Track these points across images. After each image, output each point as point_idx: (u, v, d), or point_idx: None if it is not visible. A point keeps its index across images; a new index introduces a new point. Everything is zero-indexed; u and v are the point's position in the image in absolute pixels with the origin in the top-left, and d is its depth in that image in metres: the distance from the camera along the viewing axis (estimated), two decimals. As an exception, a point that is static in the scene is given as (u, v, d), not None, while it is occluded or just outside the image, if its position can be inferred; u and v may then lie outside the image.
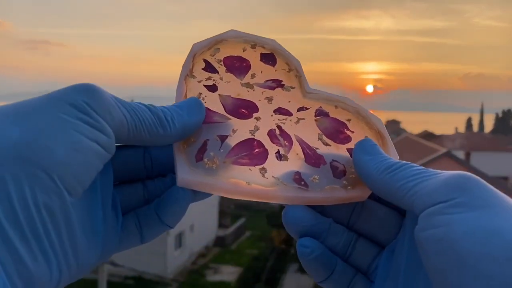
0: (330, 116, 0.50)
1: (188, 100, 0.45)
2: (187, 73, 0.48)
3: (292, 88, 0.51)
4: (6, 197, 0.32)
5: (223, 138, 0.46)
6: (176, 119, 0.42)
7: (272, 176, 0.45)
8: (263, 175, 0.45)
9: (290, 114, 0.49)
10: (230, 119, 0.47)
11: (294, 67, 0.52)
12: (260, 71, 0.51)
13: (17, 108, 0.35)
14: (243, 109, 0.48)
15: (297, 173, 0.46)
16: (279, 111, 0.49)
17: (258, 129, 0.47)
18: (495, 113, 73.46)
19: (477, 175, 0.35)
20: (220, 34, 0.51)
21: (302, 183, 0.45)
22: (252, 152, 0.46)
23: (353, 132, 0.49)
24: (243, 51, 0.51)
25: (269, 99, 0.50)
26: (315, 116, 0.50)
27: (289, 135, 0.48)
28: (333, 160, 0.47)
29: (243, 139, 0.46)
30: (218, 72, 0.49)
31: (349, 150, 0.48)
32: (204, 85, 0.48)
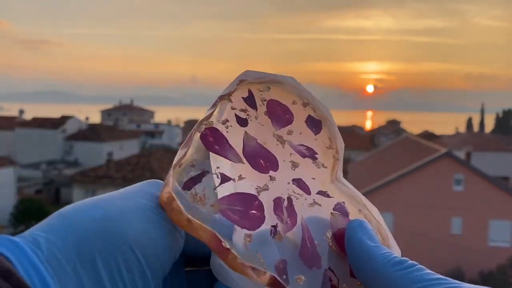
0: (349, 218, 0.43)
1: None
2: (225, 94, 0.43)
3: (324, 167, 0.45)
4: (94, 273, 0.33)
5: (225, 178, 0.40)
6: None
7: (255, 251, 0.37)
8: (246, 244, 0.37)
9: (308, 192, 0.43)
10: (243, 163, 0.41)
11: (335, 147, 0.46)
12: (299, 132, 0.45)
13: (100, 197, 0.37)
14: (263, 160, 0.42)
15: (284, 261, 0.38)
16: (298, 183, 0.43)
17: (267, 189, 0.41)
18: (496, 113, 73.34)
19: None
20: (278, 75, 0.45)
21: (284, 277, 0.37)
22: (247, 211, 0.39)
23: None
24: (293, 103, 0.46)
25: (294, 165, 0.44)
26: (333, 209, 0.43)
27: (296, 214, 0.41)
28: (329, 268, 0.40)
29: (244, 192, 0.40)
30: (256, 109, 0.44)
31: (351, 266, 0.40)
32: (235, 114, 0.43)
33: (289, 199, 0.42)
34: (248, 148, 0.42)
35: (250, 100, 0.44)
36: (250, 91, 0.44)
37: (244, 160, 0.41)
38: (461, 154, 23.41)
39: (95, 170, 21.49)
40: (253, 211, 0.39)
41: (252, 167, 0.41)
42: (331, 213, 0.42)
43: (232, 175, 0.40)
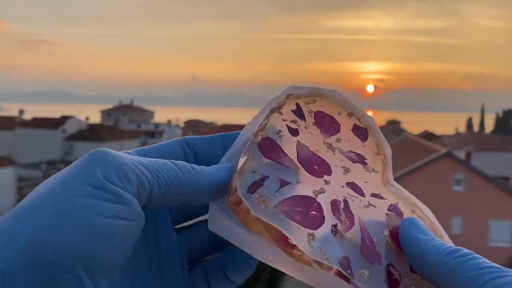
0: (403, 218, 0.44)
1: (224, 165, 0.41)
2: (275, 106, 0.45)
3: (374, 171, 0.47)
4: None
5: (284, 183, 0.41)
6: (206, 170, 0.39)
7: (319, 248, 0.39)
8: (310, 242, 0.39)
9: (362, 194, 0.44)
10: (299, 169, 0.43)
11: (383, 152, 0.48)
12: (348, 140, 0.47)
13: (28, 203, 0.33)
14: (316, 166, 0.44)
15: (347, 258, 0.40)
16: (352, 186, 0.45)
17: (323, 192, 0.42)
18: (496, 113, 73.35)
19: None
20: (322, 88, 0.48)
21: (348, 271, 0.38)
22: (307, 212, 0.40)
23: None
24: (338, 114, 0.48)
25: (346, 170, 0.45)
26: (388, 210, 0.44)
27: (353, 215, 0.43)
28: (390, 264, 0.41)
29: (303, 194, 0.41)
30: (305, 120, 0.46)
31: (409, 261, 0.41)
32: (287, 125, 0.45)
33: (345, 201, 0.43)
34: (302, 155, 0.44)
35: (298, 112, 0.46)
36: (297, 104, 0.47)
37: (299, 166, 0.43)
38: (461, 154, 23.42)
39: (95, 170, 21.38)
40: (313, 212, 0.40)
41: (308, 172, 0.43)
42: (386, 213, 0.44)
43: (290, 179, 0.42)
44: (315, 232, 0.39)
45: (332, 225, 0.41)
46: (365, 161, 0.47)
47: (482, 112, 71.98)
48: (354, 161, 0.46)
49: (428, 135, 43.11)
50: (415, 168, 18.83)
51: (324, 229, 0.40)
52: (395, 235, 0.42)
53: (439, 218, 0.42)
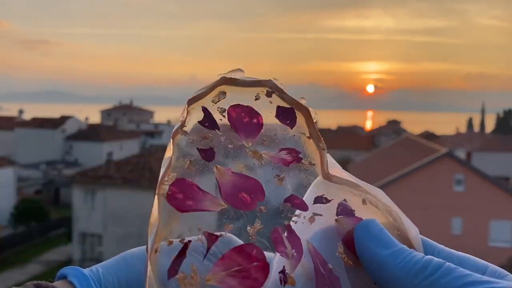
0: (355, 216, 0.39)
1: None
2: (177, 129, 0.37)
3: (312, 164, 0.40)
4: None
5: (211, 239, 0.36)
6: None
7: None
8: None
9: (305, 207, 0.39)
10: (225, 206, 0.36)
11: (316, 134, 0.40)
12: (274, 133, 0.40)
13: None
14: (245, 193, 0.37)
15: None
16: (291, 201, 0.39)
17: (261, 229, 0.37)
18: (496, 113, 73.29)
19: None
20: (225, 73, 0.39)
21: None
22: (248, 266, 0.34)
23: None
24: (256, 99, 0.40)
25: (280, 179, 0.39)
26: (337, 213, 0.39)
27: (299, 241, 0.37)
28: None
29: (237, 245, 0.35)
30: (218, 129, 0.39)
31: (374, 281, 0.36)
32: (197, 149, 0.38)
33: (287, 226, 0.38)
34: (225, 187, 0.37)
35: (208, 120, 0.39)
36: (204, 109, 0.39)
37: (224, 203, 0.36)
38: (461, 154, 23.38)
39: (95, 170, 21.44)
40: (255, 263, 0.34)
41: (236, 207, 0.37)
42: (336, 219, 0.39)
43: (217, 229, 0.36)
44: None
45: (279, 272, 0.36)
46: (300, 155, 0.40)
47: (483, 112, 71.89)
48: (287, 163, 0.40)
49: (428, 135, 43.07)
50: (415, 168, 18.78)
51: (272, 282, 0.36)
52: (350, 245, 0.37)
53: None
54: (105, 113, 57.48)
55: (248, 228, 0.37)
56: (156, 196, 0.34)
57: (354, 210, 0.39)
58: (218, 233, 0.36)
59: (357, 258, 0.36)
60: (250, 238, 0.36)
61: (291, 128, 0.40)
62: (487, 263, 0.34)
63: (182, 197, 0.35)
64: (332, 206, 0.39)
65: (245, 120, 0.39)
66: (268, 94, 0.40)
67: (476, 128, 69.93)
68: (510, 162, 29.94)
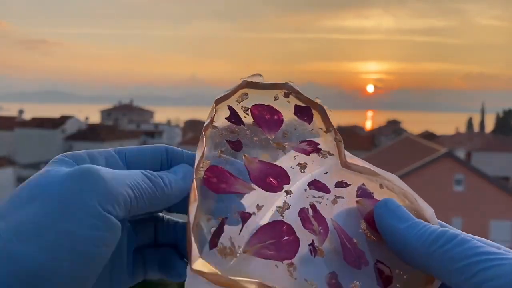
0: (374, 198, 0.41)
1: (184, 167, 0.43)
2: (208, 124, 0.41)
3: (330, 154, 0.44)
4: None
5: (245, 216, 0.38)
6: (174, 184, 0.41)
7: (304, 279, 0.36)
8: (291, 274, 0.36)
9: (327, 190, 0.42)
10: (254, 189, 0.40)
11: (332, 128, 0.44)
12: (294, 128, 0.44)
13: (26, 221, 0.35)
14: (272, 178, 0.41)
15: (333, 274, 0.37)
16: (314, 185, 0.42)
17: (289, 207, 0.40)
18: (496, 113, 73.28)
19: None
20: (246, 78, 0.44)
21: None
22: (280, 240, 0.37)
23: None
24: (275, 99, 0.44)
25: (302, 167, 0.42)
26: (357, 195, 0.42)
27: (324, 219, 0.40)
28: (377, 261, 0.39)
29: (269, 221, 0.38)
30: (244, 124, 0.43)
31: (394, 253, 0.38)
32: (226, 141, 0.42)
33: (312, 206, 0.41)
34: (254, 172, 0.40)
35: (234, 117, 0.43)
36: (230, 107, 0.43)
37: (254, 186, 0.40)
38: (461, 154, 23.38)
39: (95, 170, 21.38)
40: (286, 237, 0.38)
41: (266, 190, 0.40)
42: (356, 201, 0.42)
43: (250, 208, 0.39)
44: (294, 260, 0.37)
45: (309, 245, 0.38)
46: (319, 146, 0.44)
47: (482, 112, 71.87)
48: (308, 152, 0.43)
49: (428, 135, 43.05)
50: (415, 168, 18.78)
51: (302, 253, 0.38)
52: (371, 223, 0.40)
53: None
54: (105, 113, 57.47)
55: (277, 208, 0.39)
56: (194, 180, 0.37)
57: (372, 193, 0.42)
58: (250, 211, 0.38)
59: (378, 234, 0.39)
60: (281, 218, 0.39)
61: (309, 124, 0.44)
62: (500, 245, 0.34)
63: (216, 181, 0.39)
64: (352, 189, 0.42)
65: (266, 117, 0.43)
66: (286, 95, 0.45)
67: (476, 128, 69.91)
68: (510, 162, 29.93)
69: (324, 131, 0.45)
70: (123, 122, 48.69)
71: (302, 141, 0.44)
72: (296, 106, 0.45)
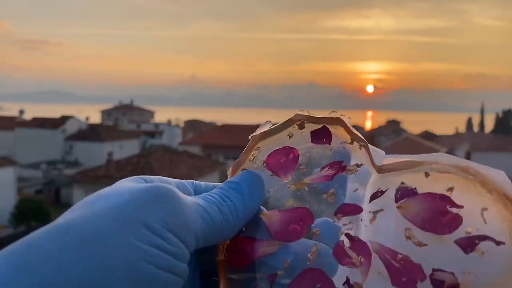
0: (418, 193, 0.35)
1: (246, 177, 0.39)
2: None
3: (359, 166, 0.39)
4: None
5: (272, 278, 0.36)
6: (240, 210, 0.38)
7: None
8: None
9: (358, 210, 0.37)
10: (281, 245, 0.37)
11: (355, 135, 0.39)
12: (313, 158, 0.40)
13: (81, 230, 0.30)
14: (294, 224, 0.37)
15: None
16: (343, 211, 0.38)
17: (318, 251, 0.37)
18: (496, 113, 73.30)
19: None
20: (255, 133, 0.41)
21: None
22: None
23: (461, 207, 0.33)
24: (289, 137, 0.41)
25: (330, 195, 0.39)
26: (396, 200, 0.36)
27: (365, 245, 0.36)
28: (433, 270, 0.33)
29: (298, 274, 0.36)
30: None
31: (460, 241, 0.32)
32: None
33: (347, 235, 0.37)
34: (274, 227, 0.38)
35: None
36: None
37: (277, 242, 0.38)
38: (461, 154, 23.37)
39: (95, 170, 21.48)
40: (318, 285, 0.36)
41: (290, 240, 0.37)
42: (397, 207, 0.36)
43: (277, 267, 0.37)
44: None
45: (343, 284, 0.36)
46: (343, 164, 0.39)
47: (482, 112, 71.91)
48: (330, 177, 0.39)
49: (428, 135, 43.11)
50: (415, 168, 18.77)
51: None
52: (420, 223, 0.34)
53: None
54: (105, 113, 57.49)
55: (309, 256, 0.37)
56: (218, 261, 0.38)
57: (415, 188, 0.36)
58: (275, 272, 0.37)
59: (430, 235, 0.34)
60: (309, 263, 0.36)
61: (329, 144, 0.40)
62: None
63: (238, 255, 0.38)
64: (389, 195, 0.37)
65: (281, 161, 0.40)
66: (301, 126, 0.40)
67: (476, 128, 69.95)
68: (510, 162, 29.98)
69: (349, 143, 0.39)
70: (123, 122, 48.70)
71: (322, 168, 0.40)
72: (311, 133, 0.40)
